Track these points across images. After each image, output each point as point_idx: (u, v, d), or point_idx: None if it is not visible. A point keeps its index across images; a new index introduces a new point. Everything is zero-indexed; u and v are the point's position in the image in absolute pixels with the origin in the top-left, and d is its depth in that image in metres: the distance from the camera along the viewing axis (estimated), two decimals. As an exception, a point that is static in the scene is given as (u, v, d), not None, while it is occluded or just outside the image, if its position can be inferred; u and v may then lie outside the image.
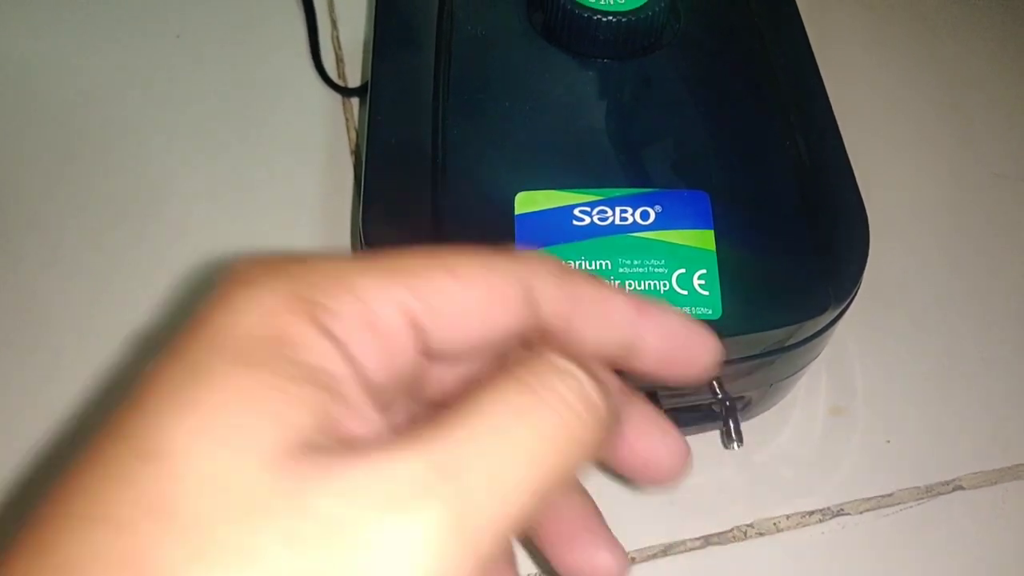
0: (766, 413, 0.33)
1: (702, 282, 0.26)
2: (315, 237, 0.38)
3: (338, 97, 0.43)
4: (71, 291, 0.37)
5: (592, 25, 0.29)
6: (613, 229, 0.27)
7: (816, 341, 0.28)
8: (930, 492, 0.33)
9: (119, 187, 0.40)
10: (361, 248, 0.29)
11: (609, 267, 0.26)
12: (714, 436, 0.32)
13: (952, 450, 0.34)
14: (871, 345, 0.36)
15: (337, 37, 0.45)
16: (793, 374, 0.30)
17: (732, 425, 0.29)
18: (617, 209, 0.27)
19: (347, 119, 0.42)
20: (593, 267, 0.26)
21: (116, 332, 0.35)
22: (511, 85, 0.30)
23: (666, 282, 0.26)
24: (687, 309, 0.26)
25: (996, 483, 0.33)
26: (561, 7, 0.29)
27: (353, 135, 0.42)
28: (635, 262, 0.26)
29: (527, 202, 0.27)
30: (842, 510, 0.32)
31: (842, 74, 0.37)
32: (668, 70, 0.30)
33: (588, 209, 0.27)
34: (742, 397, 0.31)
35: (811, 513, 0.32)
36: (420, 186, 0.29)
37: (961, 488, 0.33)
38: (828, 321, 0.28)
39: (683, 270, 0.26)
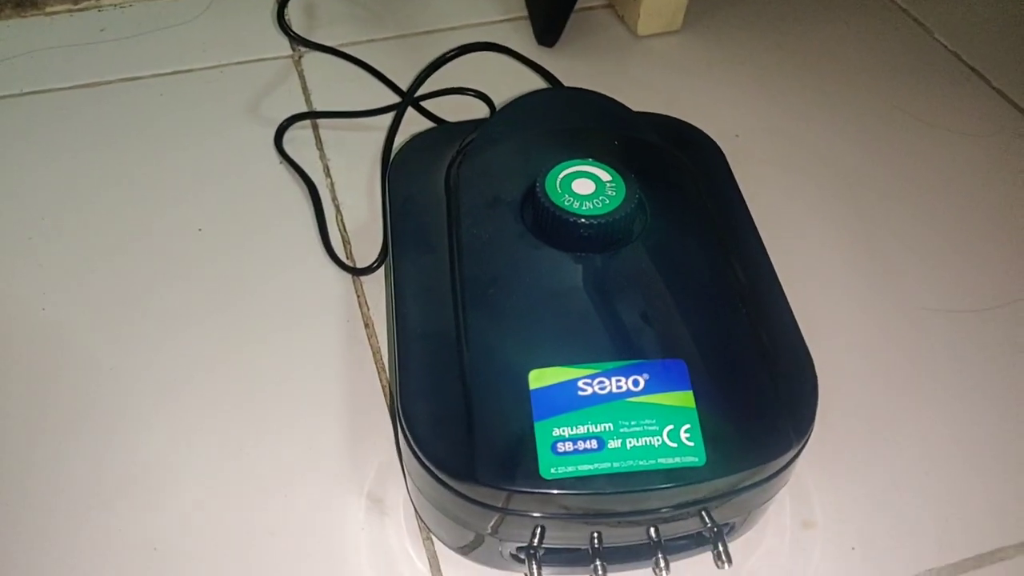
0: (748, 533, 0.39)
1: (687, 436, 0.32)
2: (340, 399, 0.44)
3: (349, 277, 0.49)
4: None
5: (576, 227, 0.36)
6: (611, 396, 0.33)
7: (784, 472, 0.34)
8: (894, 591, 0.38)
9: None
10: (399, 421, 0.34)
11: (611, 428, 0.32)
12: (706, 558, 0.37)
13: (913, 549, 0.39)
14: (830, 467, 0.42)
15: (342, 222, 0.52)
16: (767, 501, 0.36)
17: (722, 547, 0.34)
18: (613, 379, 0.33)
19: (358, 295, 0.48)
20: (599, 428, 0.32)
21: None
22: (514, 278, 0.36)
23: (659, 438, 0.32)
24: (676, 459, 0.32)
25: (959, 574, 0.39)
26: (550, 214, 0.36)
27: (365, 309, 0.48)
28: (632, 423, 0.32)
29: (539, 378, 0.33)
30: (821, 614, 0.37)
31: (782, 233, 0.45)
32: (641, 259, 0.37)
33: (590, 380, 0.33)
34: (727, 523, 0.36)
35: (796, 619, 0.37)
36: (448, 368, 0.34)
37: (920, 585, 0.38)
38: (793, 455, 0.34)
39: (671, 426, 0.32)
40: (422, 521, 0.39)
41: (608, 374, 0.33)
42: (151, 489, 0.40)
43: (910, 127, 0.60)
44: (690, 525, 0.34)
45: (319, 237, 0.51)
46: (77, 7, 0.65)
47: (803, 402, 0.35)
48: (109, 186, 0.53)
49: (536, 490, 0.31)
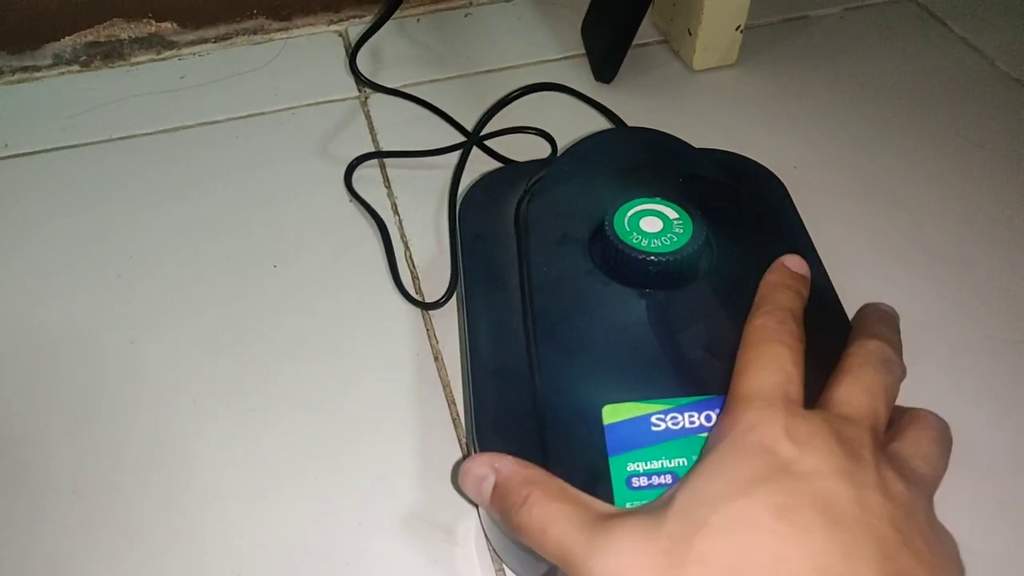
0: None
1: (761, 470, 0.32)
2: (411, 431, 0.45)
3: (418, 311, 0.51)
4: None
5: (645, 264, 0.37)
6: (684, 431, 0.33)
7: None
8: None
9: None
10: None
11: (685, 464, 0.33)
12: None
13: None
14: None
15: (411, 257, 0.54)
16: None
17: None
18: (686, 414, 0.34)
19: (427, 328, 0.50)
20: (672, 464, 0.33)
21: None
22: (584, 314, 0.37)
23: (732, 472, 0.33)
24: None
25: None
26: (619, 251, 0.37)
27: (435, 342, 0.49)
28: (705, 458, 0.33)
29: (613, 413, 0.34)
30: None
31: (843, 262, 0.45)
32: (709, 295, 0.37)
33: (663, 416, 0.34)
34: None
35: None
36: (521, 403, 0.36)
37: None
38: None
39: (744, 461, 0.33)
40: (495, 552, 0.40)
41: (681, 409, 0.34)
42: (230, 517, 0.42)
43: (973, 155, 0.59)
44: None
45: (388, 272, 0.52)
46: (159, 57, 0.69)
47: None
48: (190, 225, 0.56)
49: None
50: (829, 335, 0.37)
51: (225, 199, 0.57)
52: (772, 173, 0.48)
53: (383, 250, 0.53)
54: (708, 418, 0.34)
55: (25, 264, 0.54)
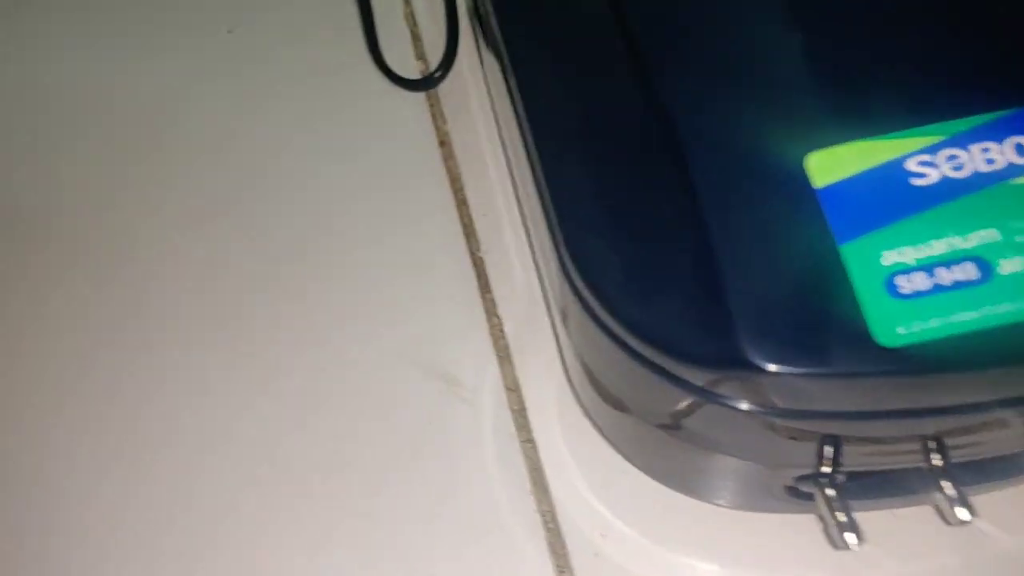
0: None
1: None
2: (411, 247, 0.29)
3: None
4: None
5: None
6: (978, 180, 0.18)
7: None
8: None
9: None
10: (579, 290, 0.19)
11: (998, 238, 0.17)
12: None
13: None
14: None
15: (412, 14, 0.35)
16: None
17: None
18: (973, 149, 0.18)
19: (432, 105, 0.33)
20: (971, 241, 0.17)
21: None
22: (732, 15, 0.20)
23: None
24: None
25: None
26: None
27: (441, 123, 0.32)
28: (1031, 223, 0.17)
29: (828, 165, 0.18)
30: None
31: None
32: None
33: (929, 158, 0.18)
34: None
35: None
36: (646, 180, 0.19)
37: None
38: None
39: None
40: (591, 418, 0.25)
41: (960, 141, 0.18)
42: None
43: None
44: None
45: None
46: None
47: None
48: None
49: (876, 369, 0.17)
50: None
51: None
52: None
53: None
54: (1020, 148, 0.18)
55: None
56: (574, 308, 0.20)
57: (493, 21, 0.24)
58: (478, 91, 0.32)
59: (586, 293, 0.19)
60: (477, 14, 0.28)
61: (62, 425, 0.27)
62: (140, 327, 0.29)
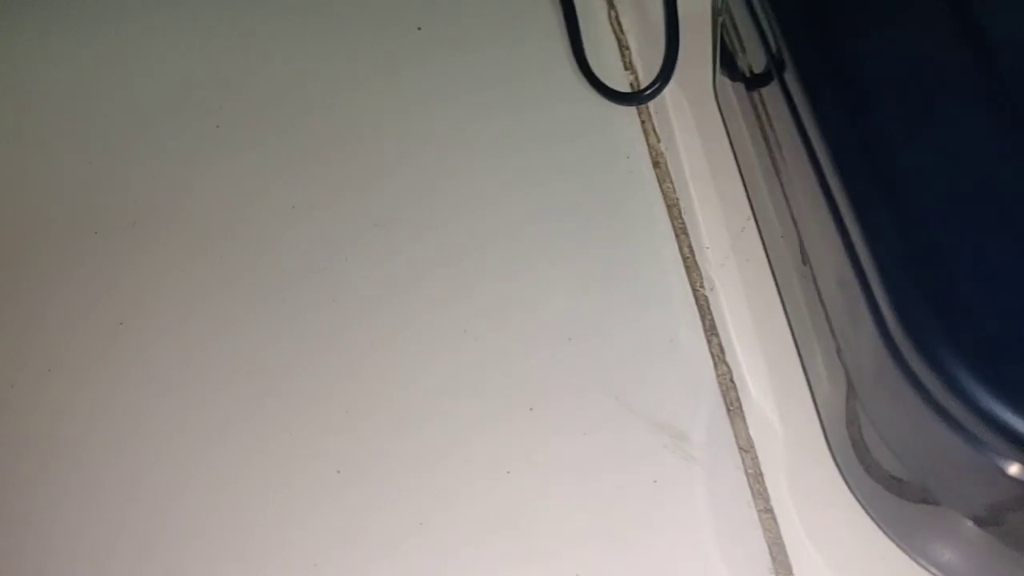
0: None
1: None
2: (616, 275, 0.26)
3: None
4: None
5: None
6: None
7: None
8: None
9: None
10: (891, 354, 0.16)
11: None
12: None
13: None
14: None
15: (617, 18, 0.32)
16: None
17: None
18: None
19: (643, 122, 0.30)
20: None
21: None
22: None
23: None
24: None
25: None
26: None
27: (654, 140, 0.29)
28: None
29: None
30: None
31: None
32: None
33: None
34: None
35: None
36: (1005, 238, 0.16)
37: None
38: None
39: None
40: (863, 505, 0.22)
41: None
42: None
43: None
44: None
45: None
46: None
47: None
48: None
49: None
50: None
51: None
52: None
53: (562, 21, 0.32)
54: None
55: None
56: (893, 384, 0.17)
57: (773, 29, 0.21)
58: (700, 108, 0.29)
59: (924, 371, 0.16)
60: (732, 25, 0.25)
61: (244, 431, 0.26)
62: (330, 331, 0.27)
